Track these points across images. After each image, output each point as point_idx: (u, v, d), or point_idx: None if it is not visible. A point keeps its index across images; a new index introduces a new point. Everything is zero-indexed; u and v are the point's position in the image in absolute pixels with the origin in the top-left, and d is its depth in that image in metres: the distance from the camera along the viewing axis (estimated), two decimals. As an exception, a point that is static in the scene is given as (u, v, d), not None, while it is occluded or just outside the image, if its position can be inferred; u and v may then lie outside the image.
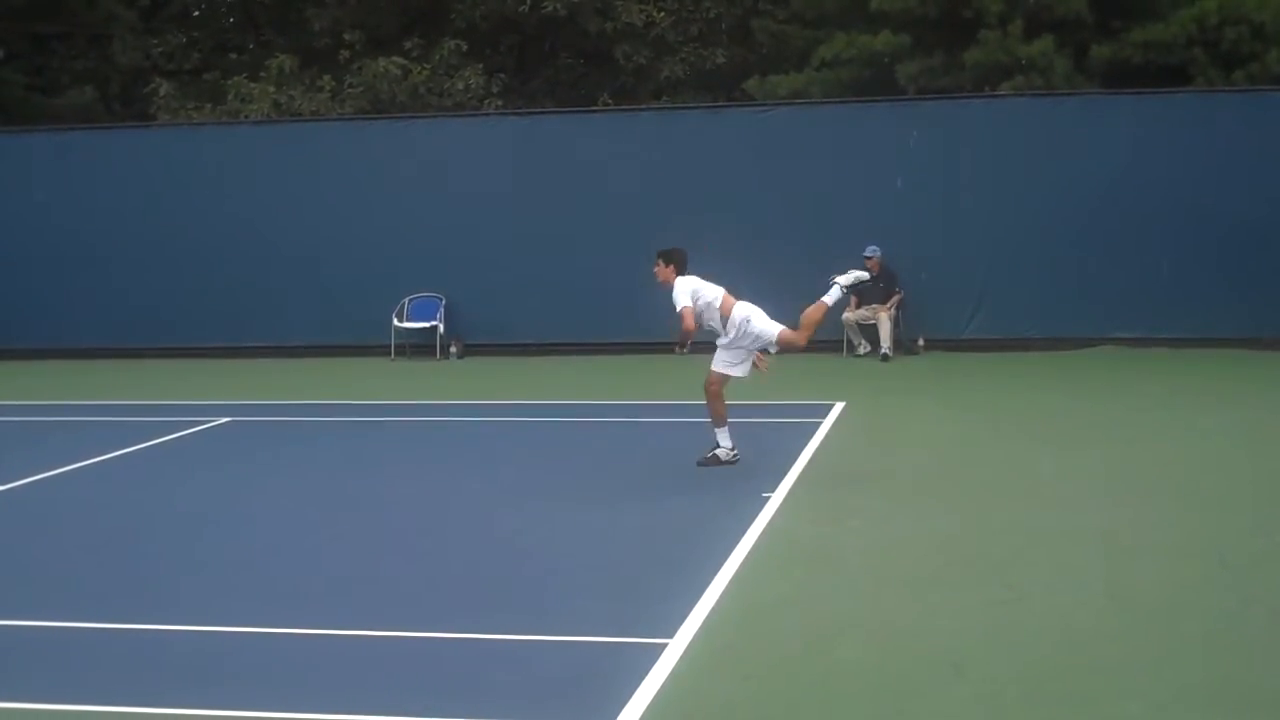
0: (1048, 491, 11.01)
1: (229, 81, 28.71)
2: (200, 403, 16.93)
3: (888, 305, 20.48)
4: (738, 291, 11.84)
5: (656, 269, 11.80)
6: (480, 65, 28.56)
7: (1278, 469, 11.80)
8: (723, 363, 11.79)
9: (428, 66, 28.10)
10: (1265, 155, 20.35)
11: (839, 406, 15.33)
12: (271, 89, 27.98)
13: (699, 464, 11.93)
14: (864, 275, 13.08)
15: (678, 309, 11.51)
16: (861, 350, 20.68)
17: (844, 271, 12.48)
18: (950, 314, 21.08)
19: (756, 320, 11.62)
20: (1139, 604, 7.90)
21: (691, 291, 11.60)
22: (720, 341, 11.83)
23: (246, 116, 27.10)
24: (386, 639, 7.55)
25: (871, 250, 20.50)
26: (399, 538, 10.06)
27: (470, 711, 6.38)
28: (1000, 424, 14.77)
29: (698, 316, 11.56)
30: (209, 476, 12.57)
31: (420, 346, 21.88)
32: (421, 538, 10.05)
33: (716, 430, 11.99)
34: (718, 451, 11.97)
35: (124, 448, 13.78)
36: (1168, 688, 6.54)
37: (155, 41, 31.43)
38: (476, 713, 6.37)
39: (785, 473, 11.57)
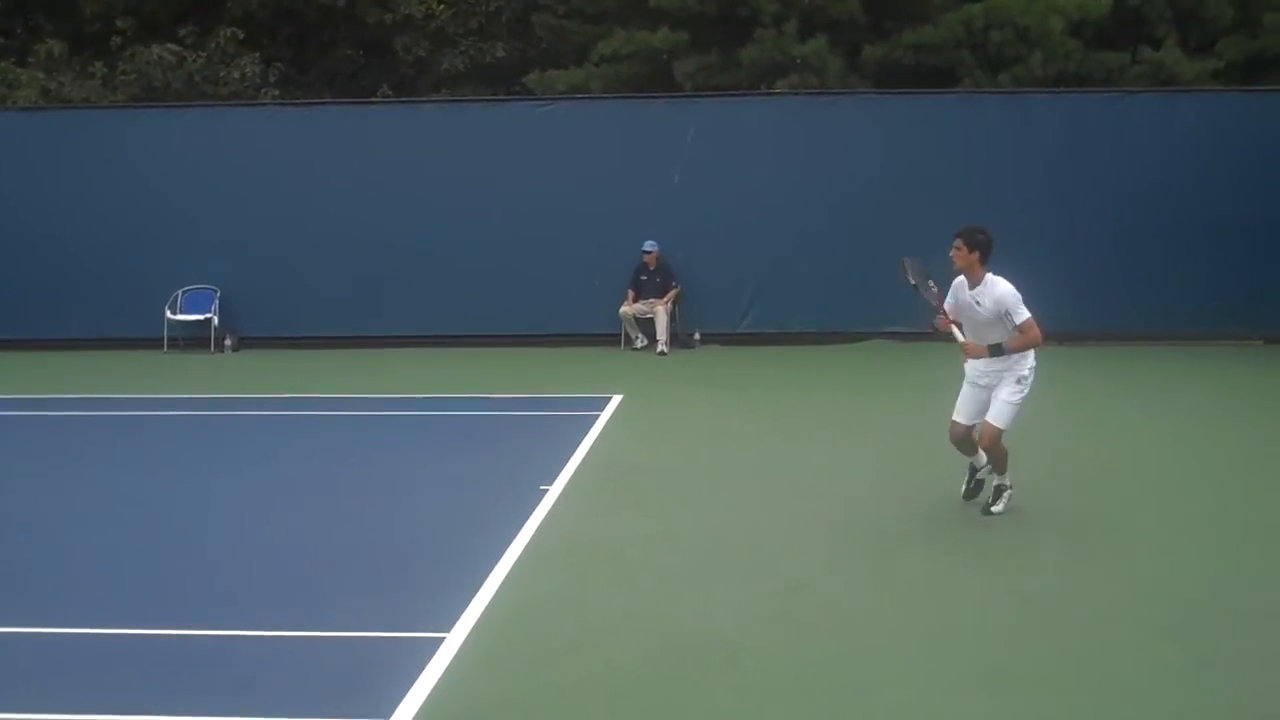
0: (821, 482, 11.24)
1: (-5, 67, 27.79)
2: (-41, 398, 16.36)
3: (665, 299, 20.66)
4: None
5: (956, 253, 10.34)
6: (257, 54, 28.08)
7: (1055, 457, 12.17)
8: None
9: (203, 55, 27.53)
10: (1027, 154, 20.99)
11: (616, 399, 15.43)
12: (40, 75, 27.13)
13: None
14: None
15: (1019, 320, 9.72)
16: (639, 344, 20.82)
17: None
18: (726, 308, 21.34)
19: None
20: (910, 591, 8.13)
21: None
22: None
23: (14, 103, 26.20)
24: (152, 637, 7.40)
25: (649, 245, 20.71)
26: (167, 535, 9.82)
27: (241, 710, 6.30)
28: (775, 417, 15.03)
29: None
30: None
31: (194, 339, 21.41)
32: (191, 534, 9.83)
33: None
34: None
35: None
36: (939, 672, 6.76)
37: (-82, 24, 30.28)
38: (248, 712, 6.29)
39: (563, 465, 11.63)
